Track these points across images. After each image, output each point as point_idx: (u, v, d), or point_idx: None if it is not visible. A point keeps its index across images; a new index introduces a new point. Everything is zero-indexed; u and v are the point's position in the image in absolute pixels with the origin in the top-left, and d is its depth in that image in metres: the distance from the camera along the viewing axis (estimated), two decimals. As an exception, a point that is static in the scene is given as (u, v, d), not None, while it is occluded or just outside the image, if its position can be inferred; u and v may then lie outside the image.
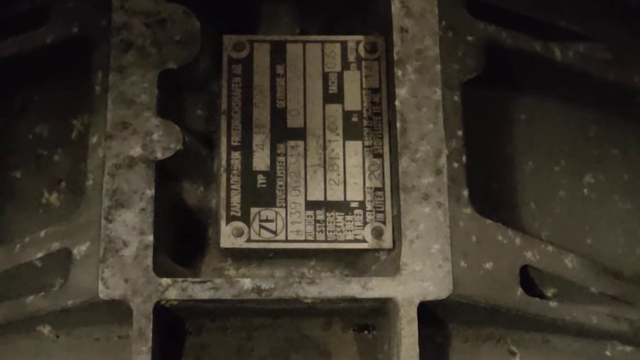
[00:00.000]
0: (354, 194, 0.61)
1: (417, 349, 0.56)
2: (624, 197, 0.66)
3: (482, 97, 0.64)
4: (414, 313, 0.56)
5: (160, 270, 0.57)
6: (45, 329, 0.59)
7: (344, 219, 0.60)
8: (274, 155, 0.61)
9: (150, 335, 0.55)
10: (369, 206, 0.60)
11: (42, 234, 0.58)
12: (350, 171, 0.61)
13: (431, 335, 0.59)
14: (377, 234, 0.60)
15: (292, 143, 0.62)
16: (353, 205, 0.60)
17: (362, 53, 0.63)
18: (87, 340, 0.59)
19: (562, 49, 0.64)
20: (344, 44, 0.64)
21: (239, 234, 0.59)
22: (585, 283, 0.59)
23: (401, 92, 0.60)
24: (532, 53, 0.63)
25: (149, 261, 0.56)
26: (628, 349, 0.60)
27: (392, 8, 0.61)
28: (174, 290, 0.56)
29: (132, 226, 0.57)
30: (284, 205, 0.60)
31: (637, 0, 0.67)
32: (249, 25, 0.65)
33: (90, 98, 0.61)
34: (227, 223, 0.60)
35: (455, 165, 0.59)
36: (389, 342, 0.58)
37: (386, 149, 0.61)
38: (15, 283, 0.58)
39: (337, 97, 0.63)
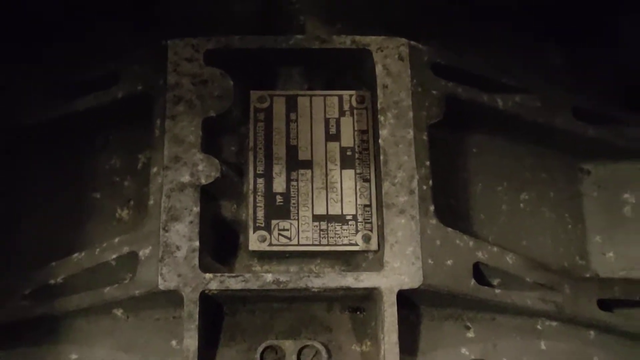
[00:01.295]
0: (349, 209, 0.65)
1: (397, 326, 0.60)
2: (551, 210, 0.70)
3: (444, 136, 0.68)
4: (394, 299, 0.60)
5: (204, 267, 0.61)
6: (119, 312, 0.64)
7: (341, 228, 0.64)
8: (288, 180, 0.65)
9: (197, 316, 0.60)
10: (360, 218, 0.64)
11: (116, 240, 0.63)
12: (346, 192, 0.65)
13: (407, 315, 0.64)
14: (366, 239, 0.64)
15: (302, 171, 0.65)
16: (348, 217, 0.64)
17: (354, 104, 0.67)
18: (149, 320, 0.64)
19: (503, 99, 0.68)
20: (340, 97, 0.67)
21: (263, 240, 0.64)
22: (522, 275, 0.64)
23: (383, 132, 0.64)
24: (481, 103, 0.67)
25: (196, 261, 0.61)
26: (554, 323, 0.66)
27: (376, 70, 0.65)
28: (214, 282, 0.60)
29: (183, 234, 0.61)
30: (296, 218, 0.64)
31: (560, 59, 0.73)
32: (270, 82, 0.68)
33: (152, 138, 0.65)
34: (254, 232, 0.64)
35: (424, 187, 0.63)
36: (375, 320, 0.63)
37: (372, 175, 0.65)
38: (96, 277, 0.63)
39: (336, 137, 0.66)
